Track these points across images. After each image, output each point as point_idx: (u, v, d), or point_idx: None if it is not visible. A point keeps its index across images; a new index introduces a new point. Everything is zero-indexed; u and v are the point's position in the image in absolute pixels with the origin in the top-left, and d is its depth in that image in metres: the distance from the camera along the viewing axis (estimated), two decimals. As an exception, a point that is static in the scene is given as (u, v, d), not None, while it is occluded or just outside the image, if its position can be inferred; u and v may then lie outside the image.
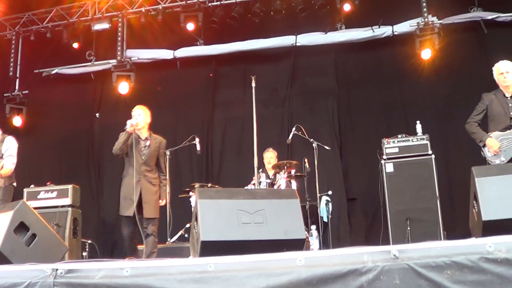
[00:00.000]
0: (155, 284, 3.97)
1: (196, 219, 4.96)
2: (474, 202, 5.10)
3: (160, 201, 8.96)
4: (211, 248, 4.69)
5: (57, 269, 4.07)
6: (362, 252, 3.93)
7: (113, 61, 13.17)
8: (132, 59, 13.22)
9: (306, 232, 8.83)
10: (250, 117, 12.26)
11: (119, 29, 13.17)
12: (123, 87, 12.94)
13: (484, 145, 8.19)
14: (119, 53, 13.08)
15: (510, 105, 8.14)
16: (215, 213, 4.88)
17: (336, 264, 3.88)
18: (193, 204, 10.32)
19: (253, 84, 9.48)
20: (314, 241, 9.69)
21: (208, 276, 3.96)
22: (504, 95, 8.22)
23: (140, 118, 8.99)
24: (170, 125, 13.14)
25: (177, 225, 10.75)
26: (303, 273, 3.86)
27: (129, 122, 8.76)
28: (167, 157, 10.89)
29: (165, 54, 13.33)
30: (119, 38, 13.13)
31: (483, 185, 4.93)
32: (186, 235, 10.51)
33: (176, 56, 13.26)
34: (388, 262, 3.81)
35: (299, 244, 4.96)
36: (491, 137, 8.12)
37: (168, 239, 10.49)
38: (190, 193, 10.53)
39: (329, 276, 3.82)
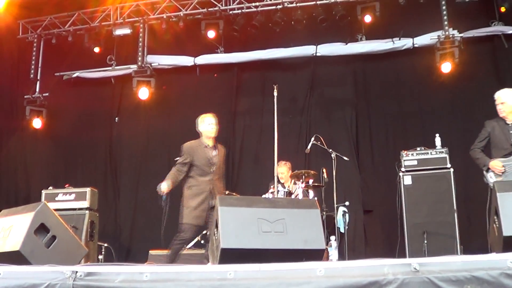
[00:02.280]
0: (174, 289, 3.98)
1: (217, 226, 4.97)
2: (495, 217, 5.07)
3: None
4: (231, 256, 4.69)
5: (76, 272, 4.10)
6: (383, 264, 3.93)
7: (134, 66, 13.21)
8: (152, 64, 13.26)
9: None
10: (268, 126, 12.23)
11: (140, 34, 13.19)
12: (143, 93, 12.96)
13: (488, 169, 8.43)
14: (140, 58, 13.12)
15: (511, 132, 8.42)
16: (236, 221, 4.89)
17: (356, 276, 3.87)
18: (211, 211, 10.36)
19: (275, 93, 9.42)
20: (333, 252, 9.62)
21: (227, 283, 3.97)
22: (505, 122, 8.51)
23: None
24: (189, 132, 13.14)
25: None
26: (323, 284, 3.86)
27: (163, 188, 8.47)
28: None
29: (186, 60, 13.36)
30: (140, 44, 13.15)
31: (504, 200, 4.90)
32: (202, 241, 10.51)
33: (197, 63, 13.30)
34: (409, 275, 3.81)
35: (318, 254, 4.95)
36: (494, 160, 8.37)
37: (184, 245, 10.48)
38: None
39: (349, 287, 3.82)
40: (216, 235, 5.02)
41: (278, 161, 10.44)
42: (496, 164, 8.31)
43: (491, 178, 8.37)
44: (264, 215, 4.94)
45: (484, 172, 8.56)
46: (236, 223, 4.88)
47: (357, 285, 3.82)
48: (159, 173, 12.80)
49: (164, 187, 8.37)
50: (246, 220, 4.90)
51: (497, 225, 5.00)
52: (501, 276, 3.72)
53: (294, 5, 12.59)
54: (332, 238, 9.81)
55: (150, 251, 9.45)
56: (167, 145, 13.15)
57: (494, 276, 3.72)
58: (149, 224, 12.46)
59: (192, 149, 8.80)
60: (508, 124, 8.49)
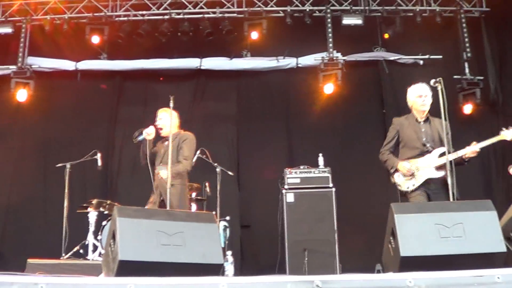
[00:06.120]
0: (72, 302, 3.86)
1: (114, 237, 4.85)
2: (391, 237, 5.20)
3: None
4: (128, 268, 4.60)
5: (-37, 280, 3.90)
6: (286, 281, 3.96)
7: (13, 67, 12.68)
8: (33, 66, 12.76)
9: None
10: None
11: (22, 35, 12.72)
12: (22, 95, 12.48)
13: (396, 170, 7.82)
14: (20, 59, 12.60)
15: (423, 130, 7.86)
16: (134, 233, 4.81)
17: (259, 292, 3.89)
18: (91, 220, 10.16)
19: (171, 104, 9.26)
20: (230, 267, 9.58)
21: (127, 297, 3.88)
22: (416, 119, 7.95)
23: (162, 122, 8.90)
24: (67, 138, 12.80)
25: (73, 241, 10.48)
26: (226, 299, 3.86)
27: (144, 131, 8.57)
28: (67, 170, 10.63)
29: (67, 65, 12.91)
30: (21, 44, 12.67)
31: (402, 222, 5.05)
32: (81, 251, 10.27)
33: (78, 68, 12.89)
34: (312, 292, 3.86)
35: (216, 269, 4.94)
36: (402, 162, 7.77)
37: (63, 254, 10.19)
38: (88, 209, 10.34)
39: (253, 303, 3.84)
40: (112, 246, 4.90)
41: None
42: (403, 166, 7.71)
43: (398, 177, 7.80)
44: (163, 227, 4.89)
45: (392, 174, 7.90)
46: (135, 235, 4.80)
47: (260, 302, 3.85)
48: (33, 177, 12.49)
49: None
50: (145, 232, 4.83)
51: (393, 246, 5.14)
52: (400, 295, 3.83)
53: (181, 16, 12.64)
54: (229, 253, 9.78)
55: (28, 260, 9.00)
56: (43, 150, 12.76)
57: (394, 295, 3.83)
58: (22, 231, 12.05)
59: None
60: (419, 122, 7.95)
